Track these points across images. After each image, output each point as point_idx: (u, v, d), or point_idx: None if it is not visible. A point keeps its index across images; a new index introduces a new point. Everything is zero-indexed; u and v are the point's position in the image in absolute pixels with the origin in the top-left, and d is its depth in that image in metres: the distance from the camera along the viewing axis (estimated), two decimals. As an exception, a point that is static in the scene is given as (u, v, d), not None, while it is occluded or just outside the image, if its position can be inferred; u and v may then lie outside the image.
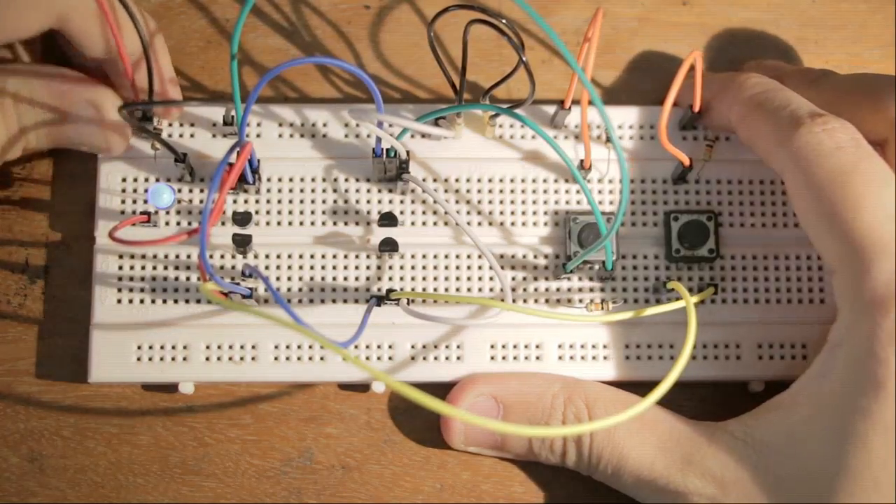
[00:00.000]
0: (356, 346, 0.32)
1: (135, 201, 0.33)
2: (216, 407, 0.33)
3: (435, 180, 0.33)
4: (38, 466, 0.32)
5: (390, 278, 0.33)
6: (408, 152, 0.32)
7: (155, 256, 0.33)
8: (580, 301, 0.33)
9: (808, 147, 0.29)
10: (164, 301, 0.32)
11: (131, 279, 0.32)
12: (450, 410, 0.23)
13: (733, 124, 0.32)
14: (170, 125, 0.33)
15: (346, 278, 0.33)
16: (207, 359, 0.32)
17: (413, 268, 0.33)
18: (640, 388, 0.33)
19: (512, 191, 0.34)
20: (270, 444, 0.33)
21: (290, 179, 0.33)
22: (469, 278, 0.33)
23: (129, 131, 0.32)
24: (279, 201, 0.33)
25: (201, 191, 0.33)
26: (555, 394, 0.31)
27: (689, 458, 0.30)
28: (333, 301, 0.33)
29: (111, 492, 0.32)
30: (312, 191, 0.33)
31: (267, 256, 0.33)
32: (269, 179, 0.33)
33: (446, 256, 0.33)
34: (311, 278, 0.33)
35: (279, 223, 0.33)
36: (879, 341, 0.27)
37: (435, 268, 0.33)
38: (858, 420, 0.27)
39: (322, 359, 0.32)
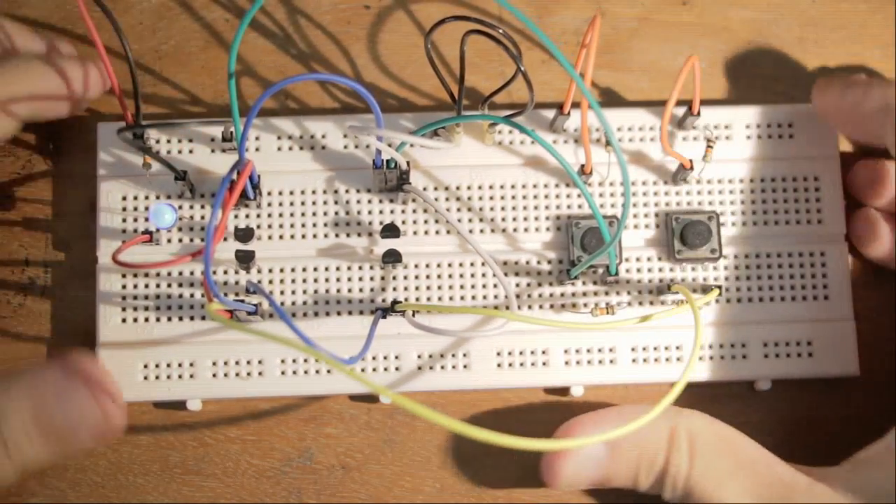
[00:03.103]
0: (362, 359, 0.32)
1: (136, 219, 0.33)
2: (216, 407, 0.33)
3: (436, 188, 0.33)
4: (39, 466, 0.32)
5: (394, 289, 0.33)
6: (408, 163, 0.32)
7: (158, 274, 0.32)
8: (585, 306, 0.33)
9: None
10: (169, 318, 0.32)
11: (135, 297, 0.32)
12: (455, 425, 0.22)
13: (885, 134, 0.31)
14: (168, 141, 0.33)
15: (350, 290, 0.33)
16: (214, 375, 0.32)
17: (417, 277, 0.33)
18: (647, 391, 0.33)
19: (513, 197, 0.33)
20: (270, 444, 0.33)
21: (291, 192, 0.33)
22: (473, 286, 0.33)
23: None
24: (280, 215, 0.33)
25: (202, 206, 0.33)
26: (659, 425, 0.30)
27: None
28: (338, 313, 0.33)
29: (111, 492, 0.33)
30: (314, 203, 0.33)
31: (270, 270, 0.33)
32: (269, 193, 0.33)
33: (450, 265, 0.33)
34: (316, 291, 0.33)
35: (281, 237, 0.33)
36: None
37: (439, 277, 0.33)
38: None
39: (329, 371, 0.32)
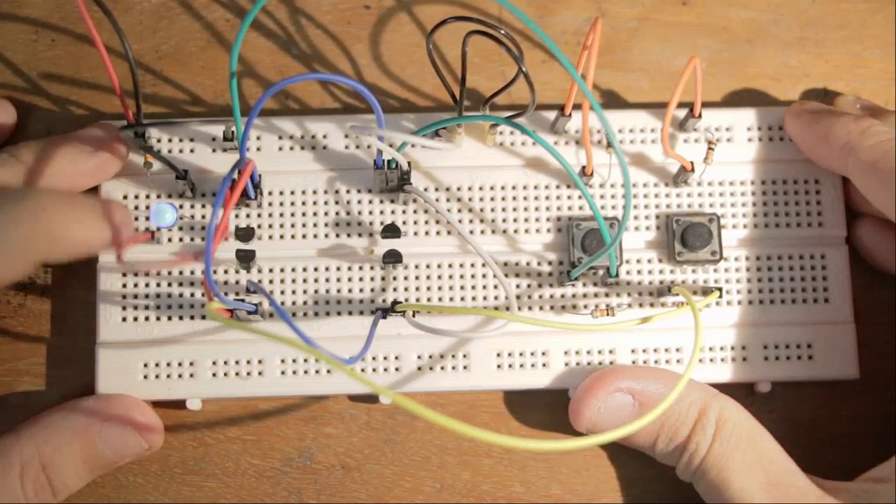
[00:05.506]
0: (362, 359, 0.32)
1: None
2: (216, 407, 0.33)
3: (437, 189, 0.33)
4: (39, 466, 0.32)
5: (395, 289, 0.33)
6: (409, 163, 0.32)
7: (158, 273, 0.32)
8: (585, 307, 0.33)
9: None
10: (169, 318, 0.32)
11: (135, 296, 0.32)
12: (456, 426, 0.22)
13: (848, 170, 0.31)
14: (169, 140, 0.33)
15: (350, 290, 0.33)
16: (214, 374, 0.32)
17: (417, 278, 0.33)
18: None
19: (514, 198, 0.33)
20: (270, 444, 0.33)
21: (292, 192, 0.33)
22: (474, 287, 0.33)
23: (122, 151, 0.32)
24: (281, 215, 0.33)
25: (203, 206, 0.33)
26: (692, 402, 0.30)
27: None
28: (339, 313, 0.33)
29: (111, 492, 0.33)
30: (314, 203, 0.33)
31: (271, 270, 0.33)
32: (270, 193, 0.33)
33: (450, 266, 0.33)
34: (316, 291, 0.33)
35: (282, 237, 0.33)
36: None
37: (439, 277, 0.33)
38: None
39: (329, 371, 0.32)
